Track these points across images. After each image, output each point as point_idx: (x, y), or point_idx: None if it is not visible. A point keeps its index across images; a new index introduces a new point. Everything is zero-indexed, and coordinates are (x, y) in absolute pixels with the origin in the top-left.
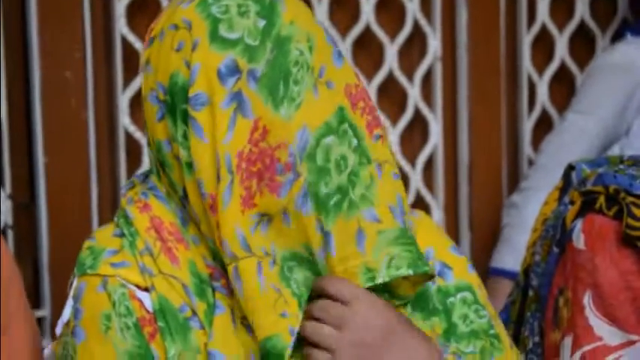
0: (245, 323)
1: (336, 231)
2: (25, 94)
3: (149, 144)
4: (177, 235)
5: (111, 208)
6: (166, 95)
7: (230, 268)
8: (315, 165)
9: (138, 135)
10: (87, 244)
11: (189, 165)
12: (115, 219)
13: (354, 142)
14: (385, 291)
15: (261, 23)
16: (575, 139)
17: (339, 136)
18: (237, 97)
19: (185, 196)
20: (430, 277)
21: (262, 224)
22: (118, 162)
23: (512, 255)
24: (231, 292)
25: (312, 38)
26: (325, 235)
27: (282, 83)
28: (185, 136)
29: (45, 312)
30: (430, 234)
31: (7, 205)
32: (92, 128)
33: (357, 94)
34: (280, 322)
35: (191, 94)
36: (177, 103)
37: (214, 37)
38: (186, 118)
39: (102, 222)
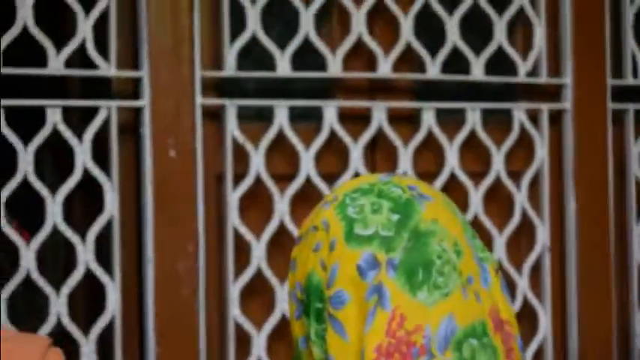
0: None
1: None
2: (139, 285)
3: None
4: None
5: None
6: (303, 294)
7: None
8: (462, 357)
9: (247, 326)
10: None
11: None
12: None
13: None
14: None
15: (395, 217)
16: None
17: (482, 346)
18: (378, 290)
19: None
20: None
21: None
22: (228, 353)
23: None
24: None
25: (459, 244)
26: None
27: (422, 270)
28: (318, 335)
29: None
30: None
31: None
32: (202, 318)
33: (499, 322)
34: None
35: (331, 292)
36: (311, 301)
37: (350, 236)
38: (319, 316)
39: None
